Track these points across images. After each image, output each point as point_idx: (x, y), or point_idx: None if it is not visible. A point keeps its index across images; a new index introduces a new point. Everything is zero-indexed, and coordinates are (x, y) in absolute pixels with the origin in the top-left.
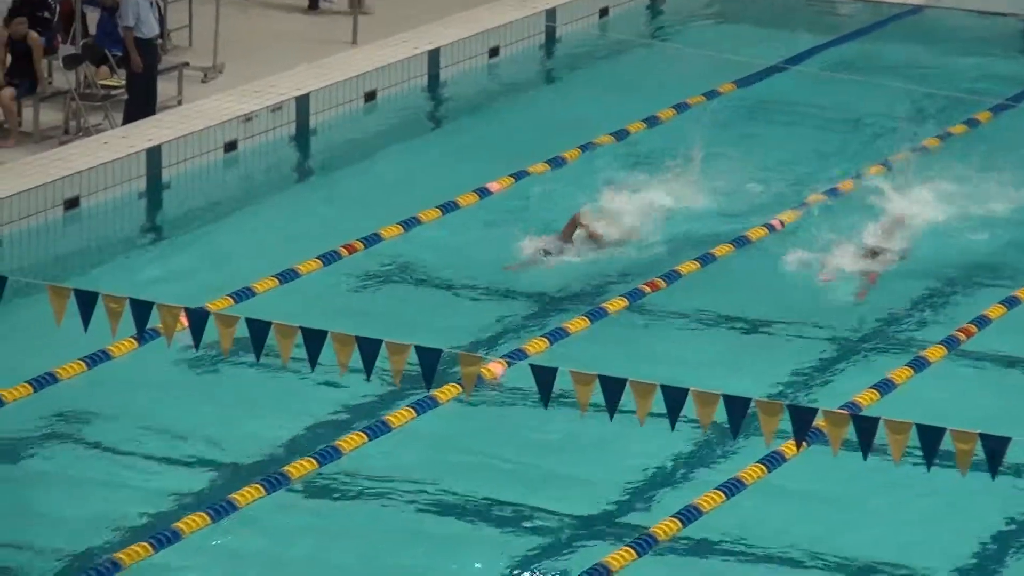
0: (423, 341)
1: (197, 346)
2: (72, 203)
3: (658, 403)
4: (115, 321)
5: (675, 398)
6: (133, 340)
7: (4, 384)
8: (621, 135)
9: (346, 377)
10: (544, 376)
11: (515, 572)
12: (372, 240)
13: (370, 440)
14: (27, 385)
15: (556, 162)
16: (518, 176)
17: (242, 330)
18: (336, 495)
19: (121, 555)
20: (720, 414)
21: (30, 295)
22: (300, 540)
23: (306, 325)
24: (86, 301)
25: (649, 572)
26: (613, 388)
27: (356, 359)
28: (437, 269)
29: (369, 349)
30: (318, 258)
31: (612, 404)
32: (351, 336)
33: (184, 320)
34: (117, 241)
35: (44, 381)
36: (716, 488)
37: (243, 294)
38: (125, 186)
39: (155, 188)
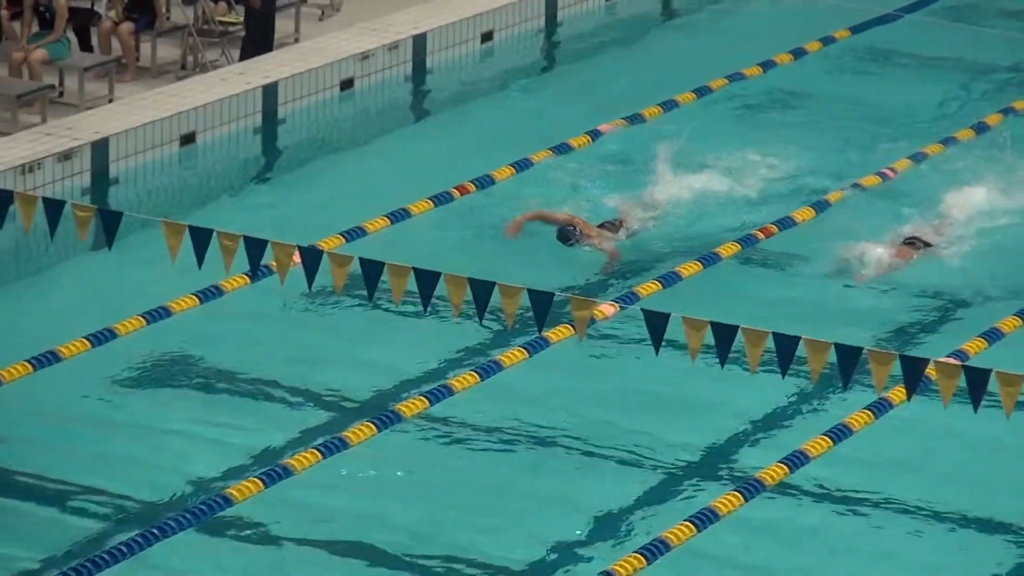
0: (535, 283)
1: (310, 285)
2: (188, 139)
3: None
4: (229, 258)
5: (787, 345)
6: (246, 276)
7: (118, 318)
8: (735, 78)
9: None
10: (655, 321)
11: (624, 512)
12: (485, 182)
13: (482, 380)
14: (140, 318)
15: (668, 105)
16: (632, 119)
17: (354, 268)
18: (447, 433)
19: (232, 491)
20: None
21: (144, 230)
22: (411, 478)
23: (418, 266)
24: (201, 238)
25: (755, 516)
26: (725, 334)
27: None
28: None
29: (482, 291)
30: (430, 199)
31: (724, 350)
32: (463, 278)
33: (297, 258)
34: (231, 177)
35: (157, 315)
36: (823, 434)
37: (354, 233)
38: (241, 122)
39: (270, 125)
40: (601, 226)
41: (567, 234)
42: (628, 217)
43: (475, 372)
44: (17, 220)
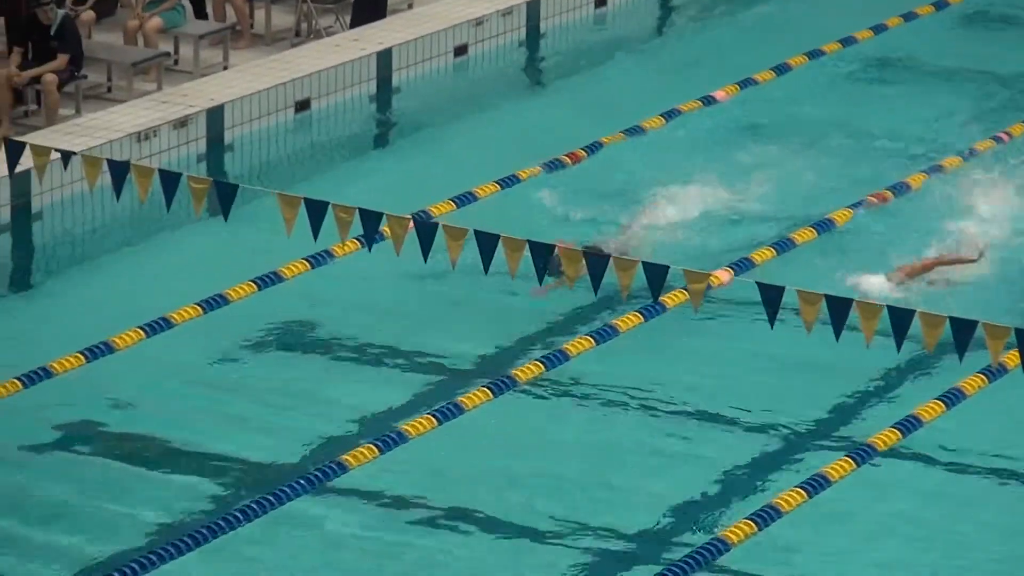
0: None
1: (426, 258)
2: (303, 105)
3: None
4: (344, 230)
5: (902, 319)
6: (357, 241)
7: (231, 283)
8: (848, 41)
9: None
10: (770, 294)
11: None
12: (594, 148)
13: (597, 344)
14: (252, 283)
15: (781, 69)
16: (744, 84)
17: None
18: (561, 397)
19: (347, 457)
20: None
21: (260, 200)
22: (527, 442)
23: (530, 237)
24: (316, 210)
25: (867, 480)
26: (840, 307)
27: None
28: (661, 176)
29: (597, 265)
30: (541, 165)
31: (838, 323)
32: (579, 251)
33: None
34: (346, 143)
35: (269, 280)
36: (936, 398)
37: (465, 199)
38: (355, 88)
39: (385, 91)
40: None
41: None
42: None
43: (590, 336)
44: (134, 188)
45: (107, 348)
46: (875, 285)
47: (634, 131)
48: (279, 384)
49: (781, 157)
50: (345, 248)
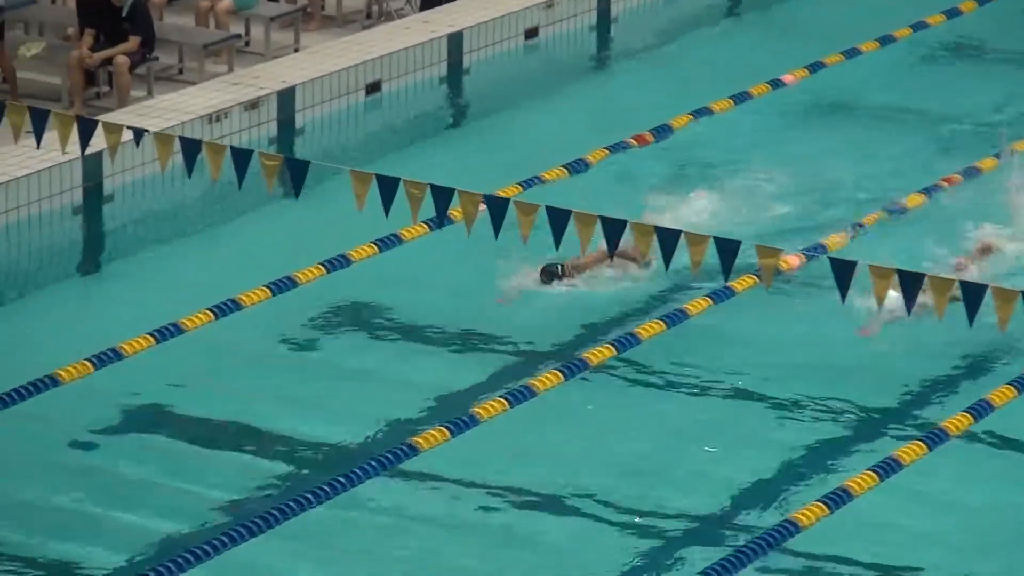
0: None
1: (497, 234)
2: (374, 87)
3: None
4: (415, 207)
5: (975, 294)
6: (426, 225)
7: (301, 265)
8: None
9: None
10: (842, 269)
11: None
12: (663, 131)
13: (668, 328)
14: (320, 267)
15: (851, 53)
16: (813, 68)
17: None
18: (634, 379)
19: (419, 439)
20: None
21: (329, 179)
22: (598, 425)
23: (602, 213)
24: (388, 187)
25: (939, 467)
26: (911, 281)
27: None
28: (728, 159)
29: (669, 240)
30: (607, 148)
31: (911, 298)
32: (650, 226)
33: (483, 207)
34: (417, 125)
35: (337, 264)
36: (1008, 383)
37: (532, 182)
38: (426, 71)
39: (456, 73)
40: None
41: (551, 272)
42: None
43: (661, 320)
44: (205, 169)
45: (176, 330)
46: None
47: (701, 112)
48: (349, 366)
49: (848, 141)
50: (414, 231)
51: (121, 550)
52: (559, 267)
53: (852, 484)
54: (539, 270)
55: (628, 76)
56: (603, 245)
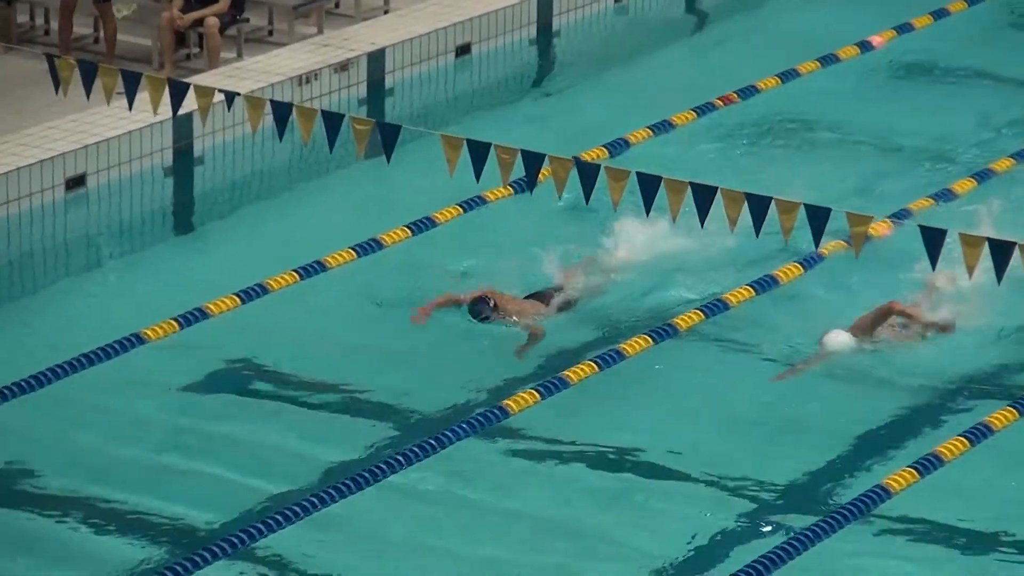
0: (804, 195)
1: (587, 200)
2: (463, 49)
3: None
4: (506, 172)
5: None
6: (510, 187)
7: (387, 227)
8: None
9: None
10: (932, 236)
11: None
12: (748, 92)
13: (757, 295)
14: (406, 229)
15: (939, 14)
16: (901, 29)
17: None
18: (722, 348)
19: (509, 402)
20: None
21: (417, 142)
22: (686, 388)
23: (692, 179)
24: (479, 152)
25: (978, 466)
26: (1003, 251)
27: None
28: (812, 121)
29: (758, 206)
30: (693, 110)
31: (1001, 268)
32: (741, 193)
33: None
34: (505, 88)
35: (422, 226)
36: None
37: (618, 145)
38: (516, 33)
39: (545, 35)
40: (530, 297)
41: (479, 309)
42: (568, 284)
43: (750, 287)
44: (295, 131)
45: (262, 290)
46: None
47: (788, 75)
48: (436, 328)
49: (930, 106)
50: (497, 193)
51: (208, 507)
52: (489, 304)
53: (943, 450)
54: (469, 300)
55: (716, 37)
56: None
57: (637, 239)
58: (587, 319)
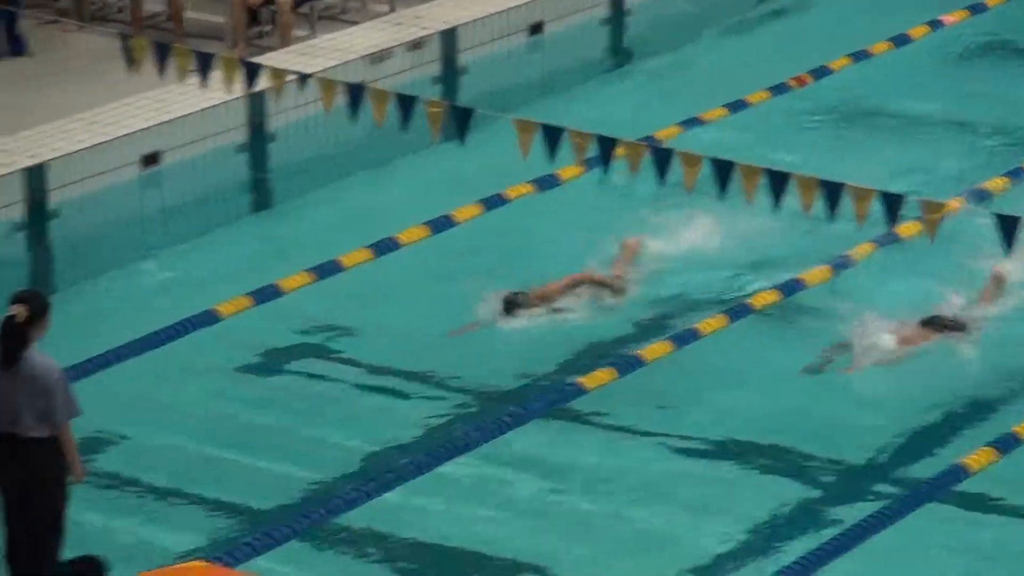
0: (874, 181)
1: (662, 182)
2: (536, 28)
3: None
4: (580, 156)
5: None
6: (582, 166)
7: (461, 203)
8: None
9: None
10: (1008, 225)
11: None
12: (821, 72)
13: (835, 275)
14: (478, 205)
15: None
16: (974, 8)
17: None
18: (796, 326)
19: (583, 380)
20: None
21: (493, 124)
22: (759, 370)
23: (767, 165)
24: (553, 136)
25: None
26: None
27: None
28: (885, 102)
29: (832, 192)
30: (767, 89)
31: None
32: (814, 178)
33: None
34: (578, 66)
35: (494, 202)
36: None
37: (692, 123)
38: (588, 12)
39: (618, 15)
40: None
41: (511, 301)
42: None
43: (828, 266)
44: (368, 110)
45: (335, 268)
46: None
47: (859, 55)
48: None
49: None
50: (569, 172)
51: (278, 487)
52: (519, 296)
53: (1022, 430)
54: (501, 299)
55: (792, 18)
56: (572, 274)
57: (706, 223)
58: (661, 299)
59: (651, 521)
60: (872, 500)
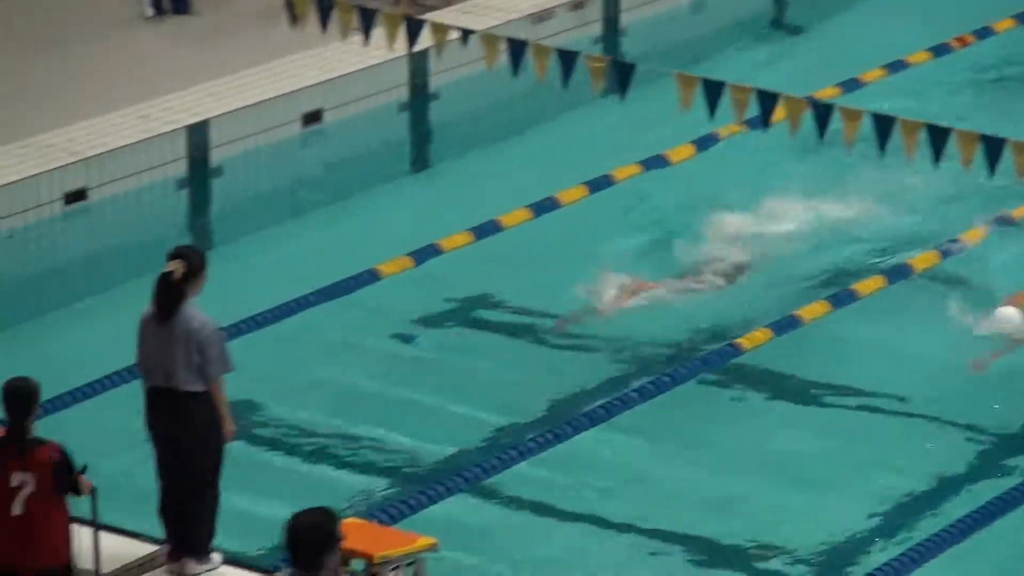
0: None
1: (822, 137)
2: None
3: None
4: (740, 111)
5: None
6: (744, 125)
7: (620, 163)
8: None
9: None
10: None
11: None
12: (984, 33)
13: (991, 233)
14: (639, 165)
15: None
16: None
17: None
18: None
19: (743, 340)
20: None
21: (652, 82)
22: (867, 352)
23: (929, 121)
24: (713, 90)
25: None
26: None
27: None
28: None
29: (993, 147)
30: (928, 50)
31: None
32: (975, 133)
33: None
34: (738, 26)
35: (655, 162)
36: None
37: (851, 84)
38: None
39: None
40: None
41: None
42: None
43: (937, 251)
44: (529, 67)
45: (495, 227)
46: None
47: (983, 33)
48: (667, 265)
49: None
50: (730, 129)
51: (446, 439)
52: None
53: None
54: None
55: None
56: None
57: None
58: (818, 265)
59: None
60: None
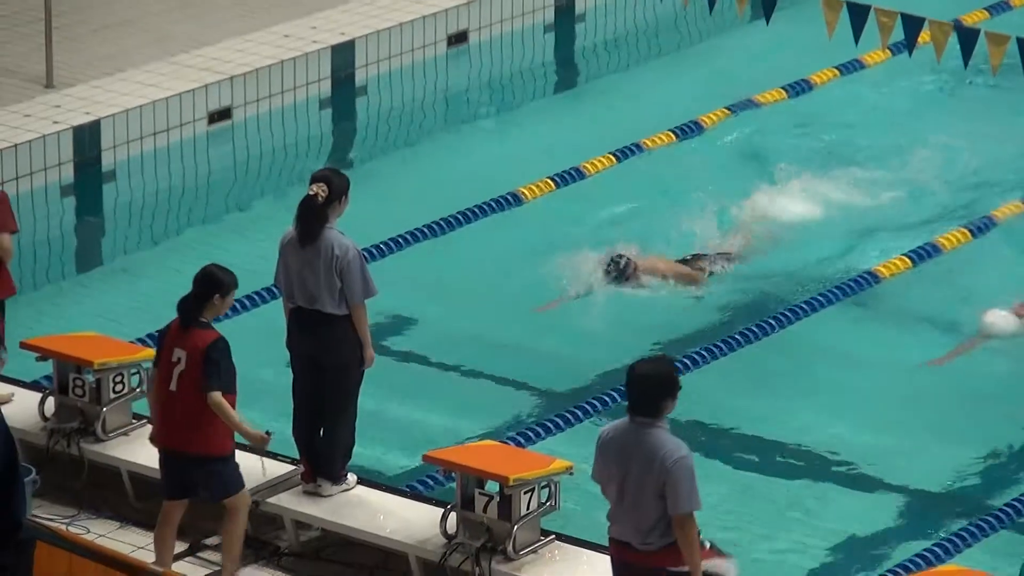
0: None
1: (966, 63)
2: None
3: None
4: (886, 35)
5: None
6: (888, 51)
7: (765, 87)
8: None
9: None
10: None
11: None
12: None
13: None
14: (782, 91)
15: None
16: None
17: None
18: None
19: (880, 268)
20: None
21: (800, 5)
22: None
23: None
24: (859, 15)
25: None
26: None
27: None
28: None
29: None
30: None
31: None
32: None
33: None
34: None
35: (799, 88)
36: None
37: (1000, 7)
38: None
39: None
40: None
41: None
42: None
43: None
44: None
45: (637, 149)
46: None
47: None
48: (813, 189)
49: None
50: (875, 56)
51: (593, 362)
52: (625, 261)
53: None
54: (606, 258)
55: None
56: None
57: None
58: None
59: None
60: None
